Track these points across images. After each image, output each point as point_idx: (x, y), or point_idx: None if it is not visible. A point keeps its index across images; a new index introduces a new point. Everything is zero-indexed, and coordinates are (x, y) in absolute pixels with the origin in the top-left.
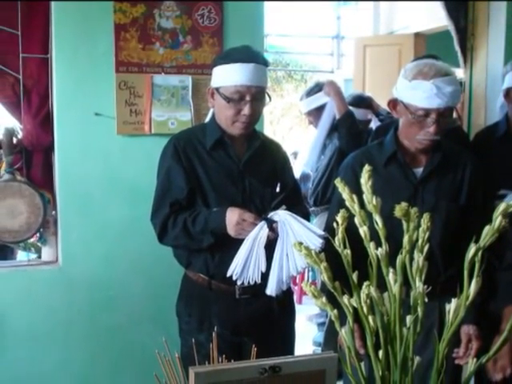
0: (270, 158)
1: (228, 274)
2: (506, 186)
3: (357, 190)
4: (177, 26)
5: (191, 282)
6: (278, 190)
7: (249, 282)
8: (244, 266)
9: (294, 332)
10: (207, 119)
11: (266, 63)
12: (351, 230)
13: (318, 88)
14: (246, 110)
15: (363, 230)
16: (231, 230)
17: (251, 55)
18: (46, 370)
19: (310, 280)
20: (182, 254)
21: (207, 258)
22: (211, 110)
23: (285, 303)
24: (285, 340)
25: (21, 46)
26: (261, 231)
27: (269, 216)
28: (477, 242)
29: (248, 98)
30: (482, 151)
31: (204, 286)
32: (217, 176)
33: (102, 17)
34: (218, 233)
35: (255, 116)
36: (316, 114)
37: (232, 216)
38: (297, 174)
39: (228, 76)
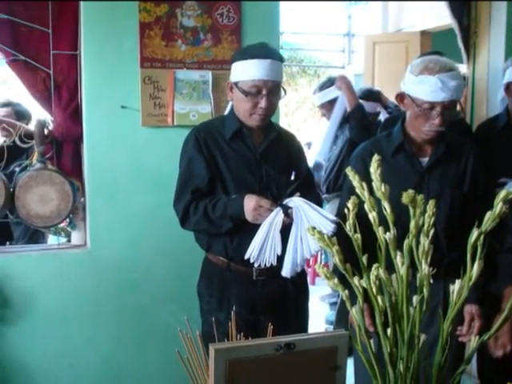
0: (286, 148)
1: (246, 257)
2: (507, 175)
3: (366, 178)
4: (198, 25)
5: (211, 264)
6: (292, 178)
7: (265, 265)
8: (261, 249)
9: (307, 311)
10: (226, 112)
11: (281, 59)
12: (361, 216)
13: (330, 82)
14: (263, 102)
15: (372, 216)
16: (249, 216)
17: (267, 52)
18: (75, 347)
19: (323, 262)
20: (203, 238)
21: (226, 241)
22: (230, 103)
23: (299, 284)
24: (299, 318)
25: (52, 43)
26: (276, 216)
27: (284, 202)
28: (479, 226)
29: (264, 91)
30: (484, 142)
31: (223, 268)
32: (235, 165)
33: (127, 16)
34: (237, 218)
35: (271, 108)
36: (328, 106)
37: (249, 202)
38: (310, 163)
39: (246, 71)
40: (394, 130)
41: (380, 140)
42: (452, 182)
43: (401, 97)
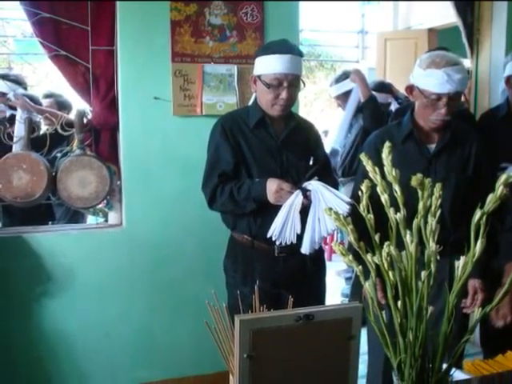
0: (305, 135)
1: (268, 236)
2: (508, 160)
3: (379, 163)
4: (224, 23)
5: (236, 242)
6: (311, 163)
7: (286, 242)
8: (282, 228)
9: (324, 284)
10: (250, 103)
11: (300, 54)
12: (374, 198)
13: (345, 76)
14: (284, 94)
15: (384, 198)
16: (271, 198)
17: (288, 47)
18: (111, 319)
19: (339, 240)
20: (229, 218)
21: (250, 221)
22: (254, 95)
23: (317, 260)
24: (317, 291)
25: (90, 39)
26: (296, 198)
27: (303, 186)
28: (482, 208)
29: (285, 84)
30: (487, 130)
31: (247, 246)
32: (258, 151)
33: (160, 14)
34: (259, 200)
35: (291, 100)
36: (343, 97)
37: (271, 185)
38: (327, 150)
39: (268, 65)
40: (403, 120)
41: (391, 128)
42: (457, 167)
43: (410, 89)
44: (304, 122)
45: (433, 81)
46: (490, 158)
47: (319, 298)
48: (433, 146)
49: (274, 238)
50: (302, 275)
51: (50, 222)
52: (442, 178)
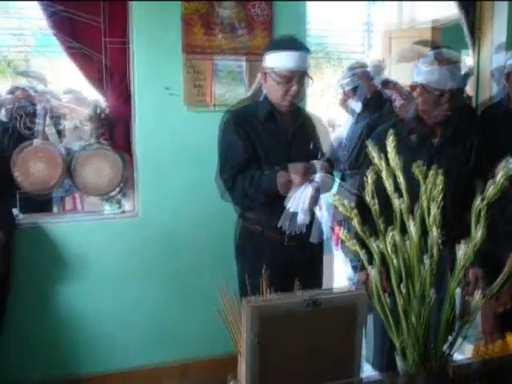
0: (312, 129)
1: (278, 225)
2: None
3: (385, 155)
4: (234, 18)
5: (247, 231)
6: (319, 157)
7: (295, 232)
8: (291, 218)
9: (322, 267)
10: (249, 93)
11: (308, 51)
12: (379, 189)
13: (352, 72)
14: (294, 88)
15: (389, 183)
16: (281, 189)
17: (299, 44)
18: (125, 307)
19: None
20: (240, 209)
21: (260, 212)
22: (253, 85)
23: (321, 249)
24: (320, 278)
25: (104, 33)
26: (305, 190)
27: (311, 178)
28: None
29: (295, 79)
30: (488, 125)
31: (258, 234)
32: (268, 144)
33: (172, 10)
34: (270, 192)
35: (300, 94)
36: (351, 93)
37: (282, 178)
38: (334, 143)
39: (280, 61)
40: (407, 116)
41: (396, 124)
42: (459, 160)
43: (413, 86)
44: (311, 116)
45: (436, 77)
46: (490, 153)
47: (319, 279)
48: (436, 140)
49: (283, 228)
50: (310, 264)
51: None
52: (444, 170)
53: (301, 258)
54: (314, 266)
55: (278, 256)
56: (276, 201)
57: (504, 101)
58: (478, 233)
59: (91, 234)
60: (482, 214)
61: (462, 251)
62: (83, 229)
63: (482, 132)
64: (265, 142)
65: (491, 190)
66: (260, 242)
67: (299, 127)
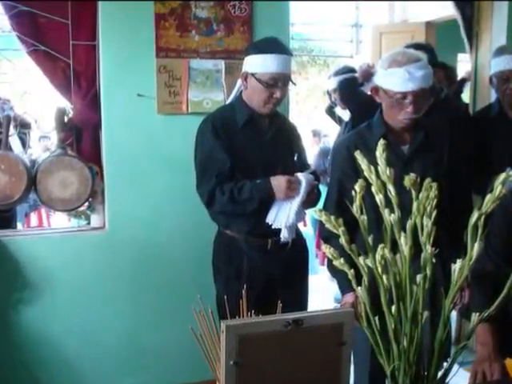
0: (289, 132)
1: (266, 221)
2: (502, 159)
3: (353, 167)
4: (211, 16)
5: (228, 237)
6: (295, 159)
7: (279, 238)
8: (277, 214)
9: (307, 274)
10: (229, 100)
11: (291, 53)
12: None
13: (347, 70)
14: (278, 93)
15: (379, 198)
16: (281, 194)
17: (283, 48)
18: (94, 325)
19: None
20: (222, 218)
21: (244, 220)
22: (235, 91)
23: (304, 251)
24: (305, 282)
25: (71, 34)
26: (289, 205)
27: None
28: (479, 209)
29: (280, 83)
30: (480, 129)
31: (240, 241)
32: (247, 149)
33: (143, 7)
34: (265, 199)
35: (283, 98)
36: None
37: (280, 183)
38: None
39: (265, 64)
40: (373, 121)
41: (362, 131)
42: (433, 165)
43: (375, 90)
44: (287, 119)
45: (395, 80)
46: (481, 157)
47: (306, 288)
48: (406, 147)
49: (270, 223)
50: (294, 268)
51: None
52: (420, 177)
53: (285, 261)
54: (299, 271)
55: (261, 261)
56: (262, 208)
57: (495, 104)
58: (474, 249)
59: (57, 248)
60: (480, 229)
61: (457, 267)
62: (49, 243)
63: (456, 131)
64: (244, 146)
65: (490, 204)
66: (242, 247)
67: (277, 130)
